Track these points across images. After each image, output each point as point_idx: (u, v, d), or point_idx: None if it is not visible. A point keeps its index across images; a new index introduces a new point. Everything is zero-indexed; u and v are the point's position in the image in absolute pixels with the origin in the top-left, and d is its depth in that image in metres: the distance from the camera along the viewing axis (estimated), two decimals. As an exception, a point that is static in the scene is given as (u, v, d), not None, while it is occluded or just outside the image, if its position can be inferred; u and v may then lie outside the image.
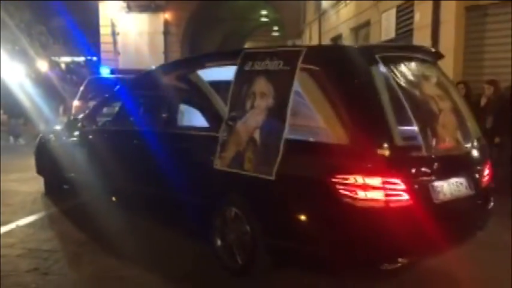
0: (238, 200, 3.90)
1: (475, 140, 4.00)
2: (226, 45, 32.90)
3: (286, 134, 3.49)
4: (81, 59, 33.57)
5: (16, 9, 25.57)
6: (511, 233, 4.94)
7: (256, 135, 3.71)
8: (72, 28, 30.50)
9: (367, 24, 12.52)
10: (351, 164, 3.23)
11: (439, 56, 4.36)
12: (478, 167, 3.94)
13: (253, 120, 3.75)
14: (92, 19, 26.20)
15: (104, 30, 25.30)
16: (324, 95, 3.42)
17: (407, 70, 3.68)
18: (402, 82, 3.57)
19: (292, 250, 3.59)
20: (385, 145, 3.24)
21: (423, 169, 3.44)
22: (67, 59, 33.41)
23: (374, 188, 3.18)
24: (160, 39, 24.78)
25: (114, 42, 25.06)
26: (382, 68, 3.52)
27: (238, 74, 3.99)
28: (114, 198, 5.73)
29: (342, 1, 13.91)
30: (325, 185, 3.25)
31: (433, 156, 3.48)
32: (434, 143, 3.51)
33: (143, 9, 24.55)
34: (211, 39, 29.76)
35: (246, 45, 43.58)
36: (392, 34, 10.79)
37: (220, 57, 4.68)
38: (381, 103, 3.35)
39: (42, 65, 24.32)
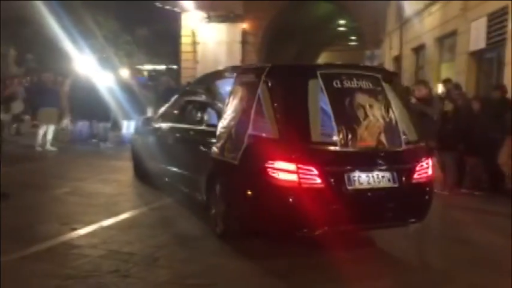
0: (219, 180, 5.14)
1: (409, 142, 4.77)
2: (302, 54, 32.87)
3: (250, 130, 4.63)
4: (162, 67, 35.09)
5: (105, 19, 27.24)
6: None
7: (233, 131, 4.91)
8: (155, 38, 32.06)
9: (453, 33, 11.89)
10: (277, 154, 4.35)
11: (388, 74, 5.33)
12: (408, 165, 4.71)
13: (232, 120, 5.00)
14: (174, 29, 27.26)
15: (185, 40, 26.20)
16: (271, 101, 4.58)
17: (345, 84, 4.62)
18: (336, 93, 4.54)
19: (244, 219, 4.83)
20: (303, 140, 4.35)
21: (337, 161, 4.41)
22: (149, 67, 35.07)
23: (290, 172, 4.25)
24: (238, 48, 25.20)
25: (194, 51, 25.87)
26: (320, 82, 4.53)
27: (232, 85, 5.26)
28: (166, 179, 6.97)
29: (427, 9, 13.32)
30: (262, 168, 4.36)
31: (349, 152, 4.43)
32: (351, 141, 4.42)
33: (222, 19, 25.13)
34: (287, 49, 29.86)
35: (322, 56, 43.31)
36: (482, 44, 10.13)
37: (224, 74, 5.89)
38: (306, 108, 4.43)
39: (126, 73, 25.55)
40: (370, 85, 4.78)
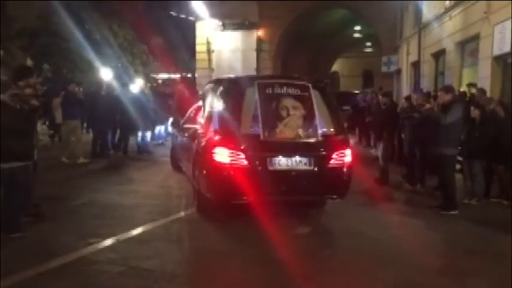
0: (195, 165, 6.71)
1: (326, 135, 6.16)
2: (316, 62, 32.61)
3: (211, 126, 6.33)
4: (177, 75, 35.11)
5: (120, 28, 27.34)
6: None
7: (204, 127, 6.67)
8: (170, 46, 32.12)
9: (475, 37, 11.57)
10: (217, 142, 5.99)
11: (317, 82, 6.69)
12: (324, 152, 6.09)
13: (204, 118, 6.83)
14: (189, 38, 27.24)
15: (200, 48, 26.16)
16: (222, 104, 6.29)
17: (276, 91, 6.17)
18: (266, 97, 6.09)
19: (202, 192, 6.37)
20: (234, 132, 5.94)
21: (260, 148, 5.89)
22: (164, 75, 35.13)
23: (224, 155, 5.80)
24: (253, 56, 25.05)
25: (209, 59, 25.81)
26: (256, 89, 6.11)
27: (208, 93, 7.13)
28: (183, 169, 8.45)
29: (447, 13, 13.02)
30: (210, 153, 5.97)
31: (270, 141, 5.94)
32: (273, 133, 5.97)
33: (237, 27, 25.01)
34: (302, 56, 29.64)
35: (337, 62, 43.02)
36: (507, 48, 9.79)
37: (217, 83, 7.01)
38: (240, 109, 6.06)
39: (141, 82, 25.55)
40: (299, 91, 6.26)
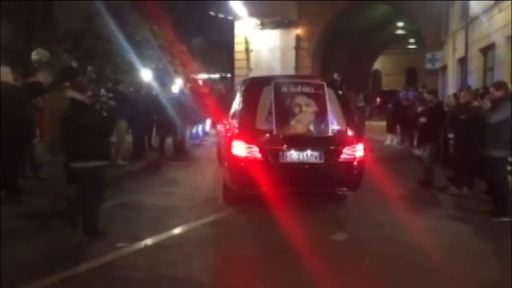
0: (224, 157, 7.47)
1: (337, 131, 6.50)
2: (357, 60, 31.90)
3: (235, 121, 6.96)
4: (217, 76, 35.19)
5: (161, 29, 27.61)
6: None
7: (233, 122, 7.19)
8: (210, 47, 32.21)
9: (528, 30, 10.83)
10: (235, 136, 6.48)
11: (332, 81, 7.17)
12: (334, 147, 6.41)
13: (232, 114, 7.66)
14: (228, 38, 27.16)
15: (238, 48, 26.05)
16: (241, 102, 6.88)
17: (291, 89, 6.57)
18: (281, 95, 6.49)
19: (226, 182, 7.00)
20: (250, 127, 6.42)
21: (273, 142, 6.29)
22: (204, 76, 35.29)
23: (241, 148, 6.25)
24: (292, 54, 24.69)
25: (247, 59, 25.66)
26: (271, 88, 6.54)
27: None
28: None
29: (496, 6, 12.26)
30: (230, 146, 6.46)
31: (283, 136, 6.32)
32: (285, 129, 6.36)
33: (276, 25, 24.73)
34: (342, 54, 29.06)
35: (379, 60, 41.92)
36: None
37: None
38: (256, 106, 6.52)
39: (180, 82, 25.72)
40: (313, 89, 6.62)
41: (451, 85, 18.24)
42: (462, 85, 15.01)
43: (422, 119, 8.96)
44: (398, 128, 15.33)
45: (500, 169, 6.67)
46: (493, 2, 12.43)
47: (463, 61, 16.86)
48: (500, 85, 7.16)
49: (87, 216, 5.25)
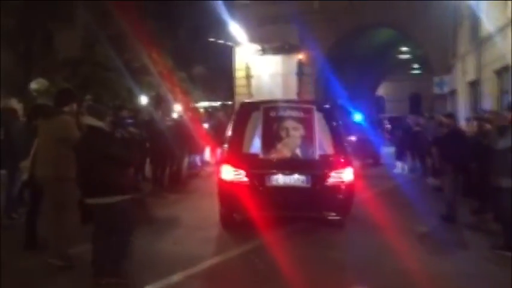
0: None
1: (324, 155, 6.52)
2: (361, 86, 31.20)
3: (225, 146, 7.13)
4: (218, 103, 34.54)
5: (159, 56, 27.08)
6: None
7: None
8: (211, 74, 31.65)
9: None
10: (223, 160, 6.85)
11: (321, 105, 7.18)
12: (321, 171, 6.42)
13: (225, 138, 7.70)
14: (228, 64, 26.59)
15: (239, 74, 25.42)
16: (232, 126, 7.19)
17: (279, 113, 6.69)
18: (270, 120, 6.66)
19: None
20: (237, 151, 6.66)
21: (259, 166, 6.47)
22: (205, 103, 34.65)
23: (229, 173, 6.49)
24: (294, 80, 24.00)
25: (248, 85, 24.96)
26: (260, 112, 6.72)
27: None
28: None
29: (510, 25, 11.49)
30: (219, 169, 6.78)
31: (269, 160, 6.49)
32: (271, 153, 6.53)
33: (277, 51, 24.13)
34: (345, 79, 28.31)
35: (383, 86, 41.28)
36: None
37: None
38: (244, 130, 6.75)
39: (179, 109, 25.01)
40: (301, 114, 6.67)
41: (462, 110, 17.39)
42: (477, 109, 14.18)
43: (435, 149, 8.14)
44: (408, 154, 14.48)
45: (507, 199, 5.87)
46: (508, 19, 11.66)
47: (474, 84, 16.07)
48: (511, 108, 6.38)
49: (103, 258, 4.57)
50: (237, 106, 25.27)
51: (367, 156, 15.57)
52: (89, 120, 4.59)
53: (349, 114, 17.56)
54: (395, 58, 31.77)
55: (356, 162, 15.16)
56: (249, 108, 7.08)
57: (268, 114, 6.66)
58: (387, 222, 7.06)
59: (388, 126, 24.38)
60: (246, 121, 6.76)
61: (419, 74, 37.44)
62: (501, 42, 12.48)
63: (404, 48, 29.23)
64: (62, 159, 5.03)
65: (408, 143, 14.00)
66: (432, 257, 5.81)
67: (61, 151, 5.03)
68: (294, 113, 6.68)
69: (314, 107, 6.79)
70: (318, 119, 6.63)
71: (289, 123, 6.60)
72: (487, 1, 13.15)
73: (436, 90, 20.86)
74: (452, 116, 8.79)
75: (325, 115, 6.83)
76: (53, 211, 5.20)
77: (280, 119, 6.63)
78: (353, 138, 15.71)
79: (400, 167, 14.92)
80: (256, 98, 24.02)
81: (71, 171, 4.77)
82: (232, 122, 7.15)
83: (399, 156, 14.96)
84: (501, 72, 13.28)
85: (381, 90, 42.76)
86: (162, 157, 11.04)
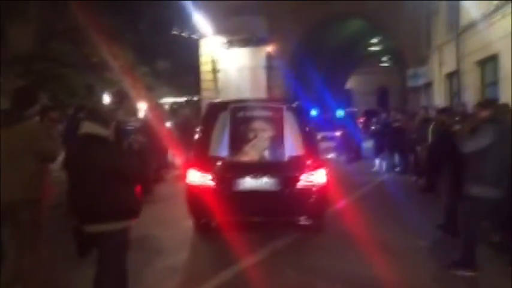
0: None
1: (295, 157, 6.23)
2: (329, 80, 30.47)
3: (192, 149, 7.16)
4: (183, 99, 33.17)
5: (120, 50, 25.50)
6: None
7: None
8: (176, 69, 30.24)
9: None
10: (190, 163, 6.53)
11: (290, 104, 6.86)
12: (291, 174, 6.16)
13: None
14: (193, 58, 25.32)
15: (205, 68, 24.14)
16: (200, 127, 6.93)
17: (247, 114, 6.48)
18: (237, 120, 6.41)
19: None
20: (203, 154, 6.38)
21: (226, 169, 6.19)
22: (170, 99, 33.22)
23: (195, 177, 6.23)
24: (262, 74, 22.91)
25: (215, 80, 23.72)
26: (228, 113, 6.45)
27: None
28: None
29: (499, 11, 10.73)
30: (186, 173, 6.44)
31: (237, 163, 6.25)
32: (239, 155, 6.28)
33: (244, 43, 22.94)
34: (315, 73, 27.50)
35: (352, 79, 40.77)
36: None
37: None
38: (211, 132, 6.46)
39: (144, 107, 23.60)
40: (271, 114, 6.43)
41: (438, 103, 16.71)
42: (453, 103, 13.51)
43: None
44: (387, 151, 13.69)
45: (474, 210, 5.17)
46: (494, 6, 10.90)
47: (452, 76, 15.38)
48: (487, 104, 5.60)
49: None
50: (203, 102, 24.59)
51: (351, 151, 15.97)
52: (91, 128, 3.66)
53: (330, 111, 18.96)
54: (365, 50, 31.15)
55: (342, 157, 15.64)
56: (216, 109, 6.75)
57: (236, 115, 6.40)
58: (378, 237, 6.19)
59: (361, 120, 23.80)
60: (213, 122, 6.48)
61: (388, 66, 36.96)
62: (485, 31, 11.73)
63: (374, 40, 28.57)
64: (33, 177, 4.22)
65: (387, 139, 13.20)
66: (442, 279, 4.83)
67: (30, 167, 4.19)
68: (263, 113, 6.44)
69: (284, 107, 6.52)
70: (288, 119, 6.35)
71: (258, 124, 6.36)
72: (469, -13, 12.36)
73: (410, 83, 20.20)
74: (448, 109, 7.86)
75: (296, 114, 6.53)
76: (22, 245, 4.21)
77: (249, 120, 6.37)
78: (338, 133, 16.02)
79: (378, 164, 14.22)
80: (223, 93, 22.93)
81: (41, 192, 4.18)
82: (200, 123, 6.92)
83: (377, 152, 14.26)
84: (484, 62, 12.58)
85: (349, 83, 42.30)
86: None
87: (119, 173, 3.64)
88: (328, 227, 6.72)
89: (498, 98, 10.16)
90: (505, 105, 6.28)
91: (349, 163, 15.32)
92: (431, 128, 9.49)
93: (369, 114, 23.97)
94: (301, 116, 6.67)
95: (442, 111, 7.84)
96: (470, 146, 5.18)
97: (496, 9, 10.85)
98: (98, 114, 3.84)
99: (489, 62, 12.14)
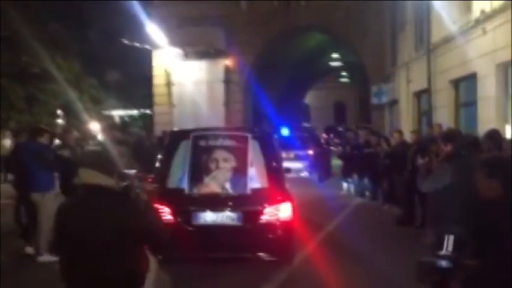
0: None
1: (258, 189, 6.01)
2: (288, 95, 29.65)
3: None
4: (135, 112, 31.40)
5: (65, 60, 23.57)
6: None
7: None
8: (125, 80, 28.45)
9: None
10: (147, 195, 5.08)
11: (258, 133, 7.00)
12: (254, 207, 5.94)
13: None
14: (146, 70, 23.73)
15: (158, 81, 22.55)
16: (160, 156, 6.68)
17: (209, 143, 6.21)
18: (199, 150, 6.13)
19: None
20: (161, 186, 6.08)
21: (185, 202, 5.93)
22: (120, 112, 31.33)
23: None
24: (220, 88, 21.59)
25: (169, 94, 22.16)
26: (190, 142, 6.15)
27: None
28: None
29: (479, 26, 9.94)
30: None
31: (196, 196, 5.96)
32: (199, 188, 6.00)
33: (201, 55, 21.60)
34: (275, 87, 26.54)
35: (310, 94, 40.20)
36: None
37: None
38: (171, 162, 6.23)
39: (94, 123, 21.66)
40: (234, 143, 6.25)
41: (405, 123, 15.97)
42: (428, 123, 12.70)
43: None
44: (355, 175, 12.75)
45: None
46: (474, 21, 10.11)
47: (420, 95, 14.66)
48: (448, 136, 4.98)
49: None
50: (158, 117, 23.02)
51: (323, 169, 15.93)
52: (94, 178, 2.83)
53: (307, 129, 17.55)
54: (325, 65, 30.54)
55: (314, 175, 14.96)
56: (177, 137, 6.63)
57: (197, 144, 6.16)
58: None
59: (324, 136, 23.04)
60: (174, 152, 6.28)
61: (345, 82, 36.64)
62: (461, 47, 10.95)
63: (335, 55, 27.96)
64: None
65: (357, 162, 12.23)
66: None
67: None
68: (226, 142, 6.23)
69: (249, 135, 6.30)
70: (252, 149, 6.14)
71: (220, 154, 6.10)
72: (444, 1, 11.58)
73: (374, 100, 19.50)
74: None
75: (261, 144, 6.32)
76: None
77: (210, 149, 6.15)
78: (311, 152, 15.75)
79: (346, 188, 13.31)
80: (178, 109, 21.46)
81: None
82: (162, 152, 6.65)
83: (345, 175, 13.36)
84: (459, 81, 11.83)
85: (307, 98, 41.78)
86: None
87: (140, 234, 2.81)
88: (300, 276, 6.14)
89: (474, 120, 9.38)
90: (473, 138, 5.27)
91: (321, 181, 15.08)
92: (411, 154, 8.54)
93: (330, 130, 23.36)
94: (267, 145, 6.45)
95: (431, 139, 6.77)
96: (426, 187, 4.88)
97: (476, 24, 10.05)
98: (103, 160, 2.97)
99: (465, 81, 11.39)
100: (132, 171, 3.96)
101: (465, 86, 11.61)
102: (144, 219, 2.88)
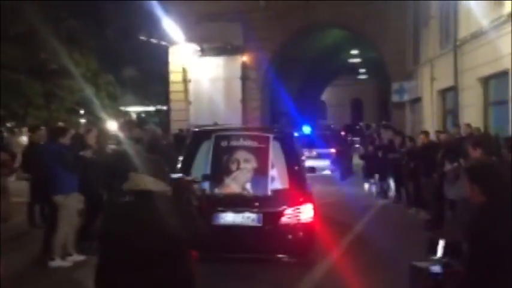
0: None
1: (278, 190, 5.95)
2: (305, 92, 29.25)
3: None
4: (151, 108, 31.40)
5: (82, 57, 23.53)
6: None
7: None
8: (141, 77, 28.38)
9: None
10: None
11: (280, 133, 6.67)
12: (274, 209, 5.88)
13: None
14: (162, 66, 23.56)
15: (174, 77, 22.32)
16: (182, 156, 6.45)
17: (231, 143, 6.14)
18: (220, 150, 6.07)
19: None
20: None
21: (205, 202, 5.57)
22: (137, 108, 31.35)
23: None
24: (238, 85, 21.27)
25: (185, 91, 21.93)
26: (212, 142, 6.12)
27: None
28: None
29: (511, 21, 9.47)
30: None
31: (217, 196, 5.91)
32: (219, 188, 5.96)
33: (218, 52, 21.31)
34: (292, 83, 26.18)
35: (327, 91, 39.69)
36: None
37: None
38: (192, 162, 6.15)
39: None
40: (256, 143, 6.15)
41: (429, 121, 15.49)
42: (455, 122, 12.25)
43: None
44: (377, 176, 12.41)
45: None
46: (506, 15, 9.63)
47: (447, 93, 14.17)
48: (479, 142, 4.81)
49: None
50: (175, 114, 22.83)
51: (345, 168, 15.86)
52: (147, 184, 2.74)
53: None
54: (344, 61, 30.02)
55: (336, 173, 14.72)
56: (200, 137, 6.51)
57: (219, 144, 6.12)
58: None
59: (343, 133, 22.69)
60: (196, 151, 6.26)
61: (364, 79, 36.04)
62: (491, 43, 10.47)
63: (353, 52, 27.44)
64: None
65: (380, 163, 11.85)
66: None
67: None
68: (248, 143, 6.16)
69: (271, 136, 6.22)
70: (274, 149, 6.09)
71: (241, 154, 6.06)
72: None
73: (395, 98, 19.00)
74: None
75: (283, 144, 6.25)
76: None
77: (232, 150, 6.09)
78: (333, 150, 15.60)
79: (368, 189, 12.98)
80: (195, 106, 21.24)
81: None
82: (183, 152, 6.54)
83: (367, 176, 13.09)
84: (488, 79, 11.35)
85: (324, 95, 41.27)
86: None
87: (194, 241, 2.86)
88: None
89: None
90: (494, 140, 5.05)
91: (343, 179, 15.03)
92: (439, 157, 8.13)
93: (348, 129, 23.03)
94: (288, 145, 6.38)
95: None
96: (453, 193, 4.87)
97: (508, 18, 9.57)
98: (157, 165, 2.88)
99: (495, 79, 10.90)
100: (178, 175, 3.63)
101: (495, 83, 11.13)
102: (196, 224, 2.87)
